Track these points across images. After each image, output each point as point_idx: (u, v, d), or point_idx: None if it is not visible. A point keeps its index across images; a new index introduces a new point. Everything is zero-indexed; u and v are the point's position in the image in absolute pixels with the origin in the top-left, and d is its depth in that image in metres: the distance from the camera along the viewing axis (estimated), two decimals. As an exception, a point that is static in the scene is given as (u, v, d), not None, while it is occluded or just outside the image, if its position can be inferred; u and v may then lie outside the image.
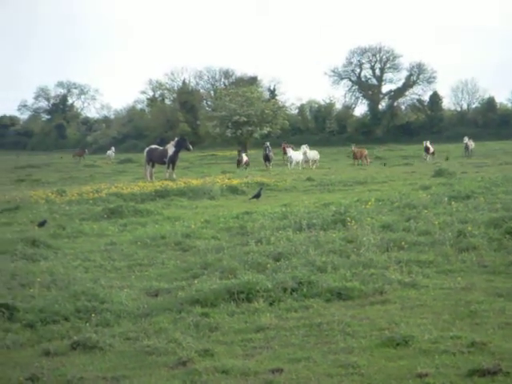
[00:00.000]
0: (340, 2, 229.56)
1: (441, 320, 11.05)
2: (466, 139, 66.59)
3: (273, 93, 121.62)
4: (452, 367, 9.00)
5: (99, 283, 14.20)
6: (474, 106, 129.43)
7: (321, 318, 11.49)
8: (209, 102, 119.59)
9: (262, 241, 17.93)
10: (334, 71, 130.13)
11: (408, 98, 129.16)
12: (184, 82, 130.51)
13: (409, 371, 8.92)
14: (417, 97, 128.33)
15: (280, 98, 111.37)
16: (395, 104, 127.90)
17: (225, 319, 11.71)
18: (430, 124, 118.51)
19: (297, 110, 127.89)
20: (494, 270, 14.32)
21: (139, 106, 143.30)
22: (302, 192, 34.63)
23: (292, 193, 34.61)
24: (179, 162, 49.33)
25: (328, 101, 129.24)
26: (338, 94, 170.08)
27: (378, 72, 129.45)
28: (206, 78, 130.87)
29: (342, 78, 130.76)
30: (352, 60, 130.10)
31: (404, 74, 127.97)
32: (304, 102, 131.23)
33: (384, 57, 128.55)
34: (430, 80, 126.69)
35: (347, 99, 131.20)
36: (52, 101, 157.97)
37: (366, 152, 61.33)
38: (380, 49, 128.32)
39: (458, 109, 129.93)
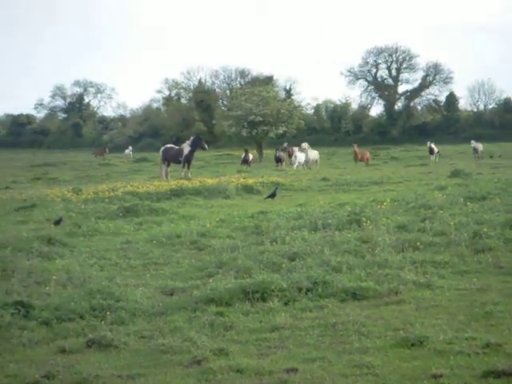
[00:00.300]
0: (357, 1, 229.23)
1: (456, 321, 11.03)
2: (473, 142, 66.07)
3: (289, 92, 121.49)
4: (467, 368, 8.97)
5: (114, 281, 14.22)
6: (490, 106, 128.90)
7: (335, 317, 11.48)
8: (224, 102, 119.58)
9: (277, 240, 17.92)
10: (350, 71, 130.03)
11: (424, 98, 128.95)
12: (200, 82, 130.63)
13: (423, 372, 8.90)
14: (433, 97, 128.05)
15: (296, 97, 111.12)
16: (411, 104, 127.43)
17: (239, 318, 11.71)
18: (446, 125, 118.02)
19: (312, 110, 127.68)
20: (510, 271, 14.27)
21: (155, 105, 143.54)
22: (317, 192, 34.59)
23: (307, 193, 34.57)
24: (194, 161, 49.41)
25: (344, 101, 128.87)
26: (353, 94, 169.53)
27: (394, 72, 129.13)
28: (221, 77, 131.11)
29: (358, 78, 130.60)
30: (368, 60, 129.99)
31: (420, 74, 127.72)
32: (320, 101, 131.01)
33: (400, 57, 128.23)
34: (446, 80, 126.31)
35: (363, 99, 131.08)
36: (68, 99, 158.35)
37: (368, 155, 60.96)
38: (396, 49, 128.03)
39: (475, 109, 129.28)
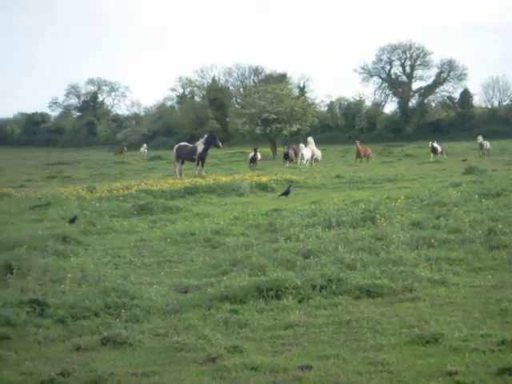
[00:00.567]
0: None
1: (471, 318, 11.00)
2: (479, 138, 65.39)
3: (302, 90, 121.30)
4: (482, 365, 8.95)
5: (129, 279, 14.25)
6: (505, 103, 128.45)
7: (350, 315, 11.47)
8: (238, 99, 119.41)
9: (291, 238, 17.91)
10: (363, 68, 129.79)
11: (438, 95, 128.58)
12: (214, 79, 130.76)
13: (438, 369, 8.89)
14: (447, 94, 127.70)
15: (309, 95, 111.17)
16: (425, 101, 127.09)
17: (254, 316, 11.73)
18: (460, 121, 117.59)
19: (326, 108, 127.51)
20: (525, 268, 14.22)
21: (169, 103, 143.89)
22: (331, 189, 34.51)
23: (321, 190, 34.50)
24: (208, 158, 49.43)
25: (358, 98, 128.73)
26: (367, 92, 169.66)
27: (408, 69, 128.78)
28: (235, 75, 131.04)
29: (371, 76, 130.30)
30: (382, 57, 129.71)
31: (434, 71, 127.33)
32: (333, 99, 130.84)
33: (414, 54, 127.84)
34: (460, 77, 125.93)
35: (377, 96, 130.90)
36: (82, 98, 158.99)
37: (369, 151, 61.28)
38: (410, 46, 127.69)
39: (489, 106, 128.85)
